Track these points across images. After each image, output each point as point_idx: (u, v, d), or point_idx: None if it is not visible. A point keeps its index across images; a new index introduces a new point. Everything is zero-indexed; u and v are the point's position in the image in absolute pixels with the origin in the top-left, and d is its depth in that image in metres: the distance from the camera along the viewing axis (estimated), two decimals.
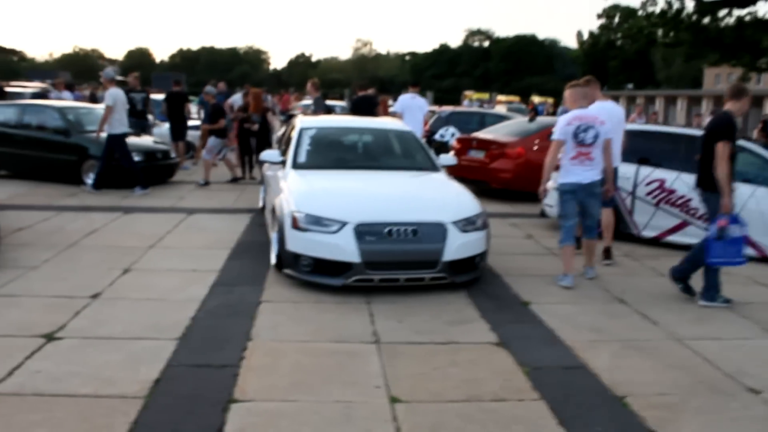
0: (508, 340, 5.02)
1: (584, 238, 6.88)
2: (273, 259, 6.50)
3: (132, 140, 11.61)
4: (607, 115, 6.89)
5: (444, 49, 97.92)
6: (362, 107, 12.75)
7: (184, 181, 12.53)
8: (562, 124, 6.54)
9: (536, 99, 58.96)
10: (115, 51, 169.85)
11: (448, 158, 7.81)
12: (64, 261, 6.68)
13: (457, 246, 6.01)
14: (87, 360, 4.29)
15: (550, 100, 56.91)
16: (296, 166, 7.07)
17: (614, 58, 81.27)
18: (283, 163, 7.23)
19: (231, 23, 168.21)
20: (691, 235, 8.21)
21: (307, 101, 22.94)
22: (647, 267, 7.53)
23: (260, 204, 9.65)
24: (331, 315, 5.37)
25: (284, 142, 8.38)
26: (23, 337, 4.61)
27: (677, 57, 70.43)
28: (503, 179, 11.38)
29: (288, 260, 6.05)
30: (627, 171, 8.59)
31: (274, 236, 6.59)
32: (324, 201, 6.11)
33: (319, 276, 5.90)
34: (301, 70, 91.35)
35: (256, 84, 16.86)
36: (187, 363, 4.30)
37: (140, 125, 13.04)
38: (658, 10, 22.83)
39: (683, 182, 8.25)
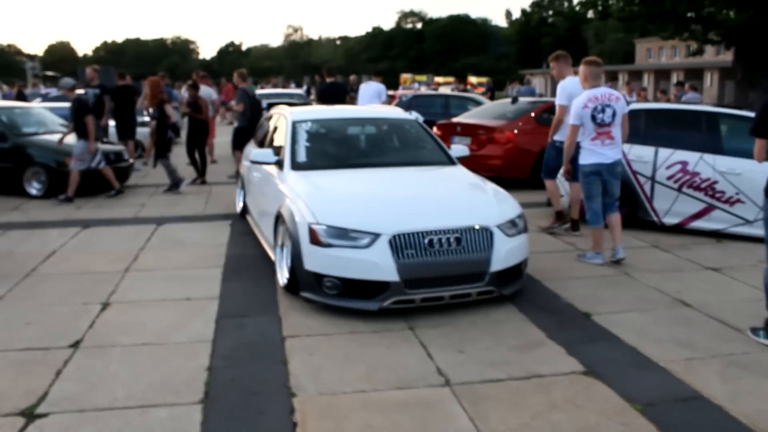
0: (595, 366, 4.19)
1: (607, 214, 6.55)
2: (282, 280, 5.48)
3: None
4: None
5: (377, 32, 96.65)
6: (332, 95, 11.79)
7: (138, 185, 11.25)
8: (577, 108, 6.28)
9: (473, 79, 58.68)
10: (34, 46, 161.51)
11: (461, 149, 6.90)
12: (24, 297, 5.46)
13: (505, 253, 5.14)
14: None
15: (484, 80, 56.64)
16: (296, 166, 6.03)
17: (547, 36, 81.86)
18: (279, 163, 6.18)
19: (156, 13, 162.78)
20: (717, 221, 7.62)
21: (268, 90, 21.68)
22: (684, 259, 6.83)
23: (238, 209, 8.53)
24: (377, 350, 4.40)
25: (268, 139, 7.31)
26: None
27: (609, 33, 71.51)
28: (494, 166, 10.51)
29: (306, 282, 5.04)
30: (645, 154, 7.92)
31: (279, 252, 5.58)
32: (347, 209, 5.11)
33: (348, 300, 4.92)
34: (232, 59, 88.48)
35: (198, 73, 14.88)
36: None
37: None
38: None
39: (707, 164, 7.62)
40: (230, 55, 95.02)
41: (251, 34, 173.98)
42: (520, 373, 4.08)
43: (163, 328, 4.72)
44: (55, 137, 10.31)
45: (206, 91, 13.29)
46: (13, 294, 5.52)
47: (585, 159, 6.40)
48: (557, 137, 7.44)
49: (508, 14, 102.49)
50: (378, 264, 4.78)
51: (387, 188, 5.68)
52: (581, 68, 6.48)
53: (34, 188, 9.84)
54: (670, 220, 7.89)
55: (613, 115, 6.23)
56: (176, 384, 3.85)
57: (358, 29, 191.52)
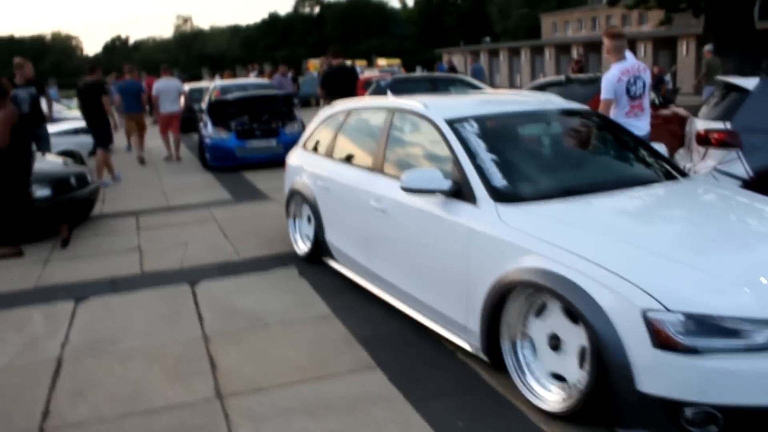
0: None
1: None
2: (545, 404, 3.15)
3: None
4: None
5: (274, 19, 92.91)
6: (339, 83, 9.46)
7: (107, 215, 8.40)
8: (611, 82, 5.84)
9: (381, 61, 56.66)
10: None
11: (660, 147, 4.76)
12: None
13: None
14: None
15: (395, 62, 54.85)
16: (501, 197, 3.66)
17: (450, 14, 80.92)
18: (458, 193, 3.80)
19: (29, 7, 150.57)
20: None
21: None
22: None
23: (300, 250, 6.03)
24: None
25: (371, 151, 4.89)
26: None
27: (513, 9, 71.37)
28: None
29: (640, 413, 2.74)
30: None
31: (511, 351, 3.33)
32: (698, 277, 2.85)
33: None
34: (121, 54, 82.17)
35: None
36: None
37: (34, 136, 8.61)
38: None
39: None
40: (117, 49, 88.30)
41: (138, 26, 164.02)
42: None
43: None
44: None
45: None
46: None
47: None
48: None
49: None
50: None
51: (693, 231, 3.45)
52: (604, 41, 5.97)
53: None
54: None
55: (644, 86, 5.90)
56: None
57: (252, 17, 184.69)
